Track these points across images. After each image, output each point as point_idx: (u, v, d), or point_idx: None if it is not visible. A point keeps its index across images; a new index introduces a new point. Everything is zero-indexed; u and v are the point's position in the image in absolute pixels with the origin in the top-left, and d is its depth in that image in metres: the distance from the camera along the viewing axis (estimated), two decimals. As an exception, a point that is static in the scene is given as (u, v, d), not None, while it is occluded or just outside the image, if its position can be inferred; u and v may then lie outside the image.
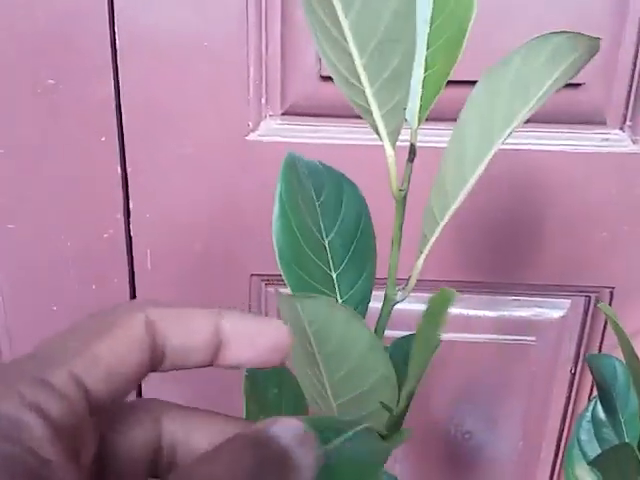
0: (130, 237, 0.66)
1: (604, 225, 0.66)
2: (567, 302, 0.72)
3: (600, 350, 0.74)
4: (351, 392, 0.28)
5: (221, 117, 0.61)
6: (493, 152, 0.29)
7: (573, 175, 0.64)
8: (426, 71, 0.34)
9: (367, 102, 0.29)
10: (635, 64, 0.60)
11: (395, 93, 0.29)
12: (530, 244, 0.68)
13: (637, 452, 0.42)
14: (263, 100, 0.61)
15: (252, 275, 0.67)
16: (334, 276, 0.39)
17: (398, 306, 0.69)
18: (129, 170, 0.63)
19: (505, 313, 0.72)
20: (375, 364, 0.26)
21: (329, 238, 0.40)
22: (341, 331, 0.25)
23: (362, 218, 0.42)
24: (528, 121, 0.62)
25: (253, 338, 0.27)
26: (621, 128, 0.63)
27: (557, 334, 0.73)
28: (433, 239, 0.33)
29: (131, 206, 0.65)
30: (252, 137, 0.62)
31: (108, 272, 0.67)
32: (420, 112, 0.34)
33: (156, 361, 0.26)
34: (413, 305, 0.71)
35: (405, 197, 0.34)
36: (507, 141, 0.62)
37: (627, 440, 0.49)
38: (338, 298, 0.39)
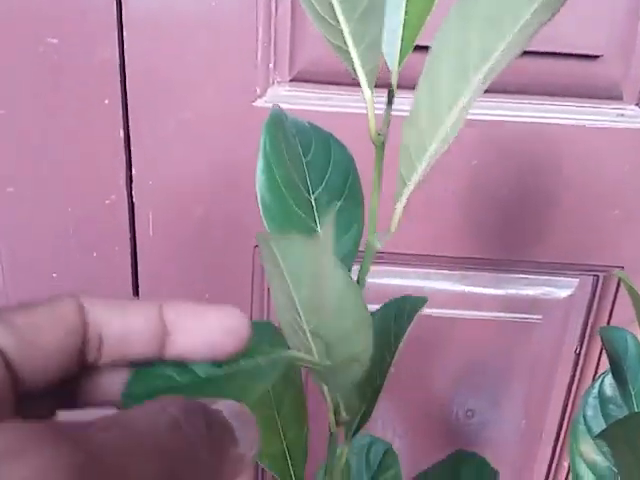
0: (132, 203, 0.65)
1: (616, 203, 0.65)
2: (575, 281, 0.71)
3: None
4: (328, 337, 0.27)
5: (228, 82, 0.60)
6: (472, 90, 0.27)
7: (586, 151, 0.63)
8: (406, 14, 0.33)
9: (344, 41, 0.29)
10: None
11: (370, 29, 0.28)
12: (539, 221, 0.66)
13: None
14: (271, 65, 0.59)
15: (256, 247, 0.66)
16: (319, 231, 0.39)
17: (406, 283, 0.69)
18: (132, 135, 0.62)
19: (512, 291, 0.71)
20: (351, 308, 0.25)
21: (315, 194, 0.40)
22: (315, 270, 0.24)
23: (350, 176, 0.41)
24: (541, 93, 0.61)
25: (200, 326, 0.27)
26: (637, 104, 0.62)
27: (564, 313, 0.72)
28: (412, 184, 0.31)
29: (133, 172, 0.63)
30: (259, 103, 0.60)
31: (109, 239, 0.66)
32: (400, 55, 0.33)
33: (92, 349, 0.25)
34: (424, 282, 0.70)
35: (384, 143, 0.33)
36: (516, 113, 0.62)
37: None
38: None
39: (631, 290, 0.40)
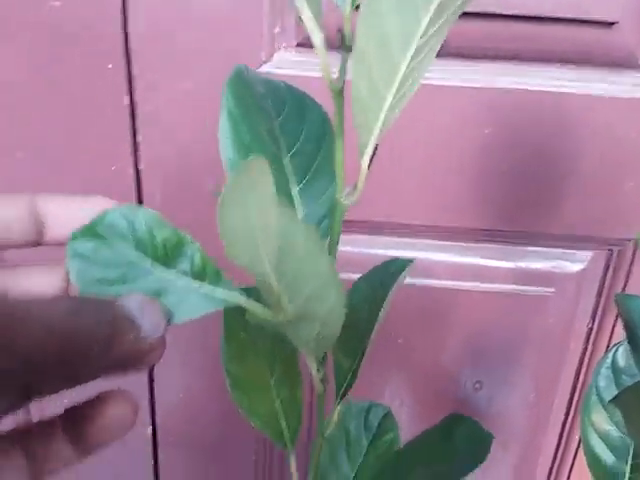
0: (138, 170, 0.64)
1: (631, 175, 0.64)
2: (589, 254, 0.70)
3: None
4: (298, 297, 0.27)
5: (232, 48, 0.59)
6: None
7: (601, 120, 0.61)
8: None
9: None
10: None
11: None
12: (553, 192, 0.65)
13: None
14: (277, 30, 0.58)
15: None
16: (294, 193, 0.38)
17: (417, 254, 0.68)
18: (137, 100, 0.61)
19: (523, 264, 0.70)
20: (318, 267, 0.24)
21: (289, 155, 0.39)
22: (282, 228, 0.23)
23: (325, 138, 0.40)
24: (554, 61, 0.60)
25: (73, 214, 0.29)
26: (654, 72, 0.60)
27: (576, 287, 0.71)
28: (374, 136, 0.30)
29: (139, 138, 0.63)
30: (265, 69, 0.59)
31: (116, 206, 0.66)
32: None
33: None
34: (434, 254, 0.69)
35: (342, 89, 0.31)
36: (529, 81, 0.60)
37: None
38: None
39: None
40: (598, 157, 0.63)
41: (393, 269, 0.42)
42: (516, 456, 0.80)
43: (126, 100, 0.61)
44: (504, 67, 0.60)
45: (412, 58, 0.27)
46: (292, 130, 0.39)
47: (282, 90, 0.41)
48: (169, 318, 0.28)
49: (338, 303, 0.26)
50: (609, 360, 0.53)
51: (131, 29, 0.58)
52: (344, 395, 0.41)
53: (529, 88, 0.60)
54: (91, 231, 0.29)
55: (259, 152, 0.37)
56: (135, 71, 0.60)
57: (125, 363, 0.25)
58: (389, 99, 0.29)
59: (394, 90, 0.28)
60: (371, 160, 0.31)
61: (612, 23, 0.57)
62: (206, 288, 0.29)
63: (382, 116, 0.29)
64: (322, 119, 0.40)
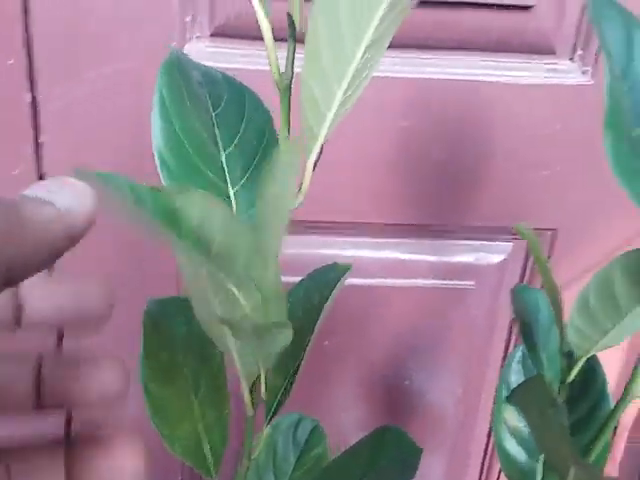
0: (42, 175, 0.60)
1: (547, 163, 0.64)
2: (508, 245, 0.70)
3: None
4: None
5: (140, 37, 0.55)
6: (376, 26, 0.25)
7: (518, 108, 0.61)
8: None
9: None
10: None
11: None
12: (469, 184, 0.64)
13: (547, 385, 0.40)
14: (188, 19, 0.55)
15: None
16: (231, 193, 0.36)
17: (337, 252, 0.66)
18: (39, 98, 0.57)
19: (444, 258, 0.69)
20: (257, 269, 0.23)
21: (227, 152, 0.36)
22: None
23: (266, 133, 0.38)
24: (466, 48, 0.59)
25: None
26: (571, 58, 0.60)
27: (497, 279, 0.71)
28: (323, 134, 0.28)
29: (41, 139, 0.58)
30: (177, 61, 0.56)
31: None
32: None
33: None
34: (354, 251, 0.67)
35: (289, 85, 0.30)
36: (445, 70, 0.59)
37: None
38: None
39: (532, 244, 0.39)
40: (513, 147, 0.63)
41: (331, 276, 0.40)
42: (446, 456, 0.79)
43: (28, 97, 0.56)
44: (420, 57, 0.59)
45: (365, 51, 0.26)
46: (231, 125, 0.37)
47: (220, 81, 0.38)
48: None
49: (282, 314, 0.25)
50: (519, 354, 0.52)
51: (33, 20, 0.54)
52: (274, 415, 0.39)
53: (446, 77, 0.59)
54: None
55: (190, 144, 0.35)
56: (37, 67, 0.56)
57: (56, 244, 0.24)
58: (339, 97, 0.27)
59: (345, 87, 0.27)
60: (317, 161, 0.30)
61: (528, 7, 0.57)
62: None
63: (331, 115, 0.28)
64: (263, 115, 0.38)
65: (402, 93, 0.59)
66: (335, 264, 0.41)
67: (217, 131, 0.37)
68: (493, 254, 0.70)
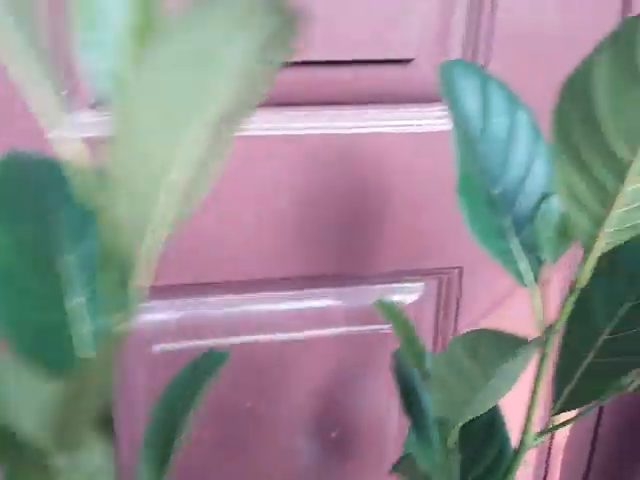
0: None
1: (444, 205, 0.64)
2: (420, 285, 0.70)
3: (456, 331, 0.72)
4: None
5: (20, 113, 0.54)
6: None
7: (409, 156, 0.62)
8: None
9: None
10: (466, 36, 0.58)
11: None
12: (372, 232, 0.65)
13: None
14: (65, 92, 0.55)
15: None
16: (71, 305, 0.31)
17: (247, 309, 0.66)
18: None
19: (357, 304, 0.69)
20: None
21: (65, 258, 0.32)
22: None
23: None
24: (357, 103, 0.59)
25: None
26: (456, 104, 0.61)
27: (413, 319, 0.71)
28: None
29: None
30: (58, 135, 0.55)
31: None
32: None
33: None
34: (262, 306, 0.67)
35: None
36: (338, 124, 0.59)
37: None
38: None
39: (395, 318, 0.39)
40: (411, 192, 0.63)
41: (207, 364, 0.39)
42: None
43: None
44: (308, 112, 0.59)
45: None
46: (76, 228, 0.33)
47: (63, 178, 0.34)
48: None
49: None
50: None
51: None
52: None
53: (334, 132, 0.59)
54: None
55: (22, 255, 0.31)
56: None
57: None
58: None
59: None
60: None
61: (409, 60, 0.57)
62: None
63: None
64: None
65: (295, 149, 0.59)
66: (211, 352, 0.40)
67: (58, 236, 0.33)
68: (407, 295, 0.70)
